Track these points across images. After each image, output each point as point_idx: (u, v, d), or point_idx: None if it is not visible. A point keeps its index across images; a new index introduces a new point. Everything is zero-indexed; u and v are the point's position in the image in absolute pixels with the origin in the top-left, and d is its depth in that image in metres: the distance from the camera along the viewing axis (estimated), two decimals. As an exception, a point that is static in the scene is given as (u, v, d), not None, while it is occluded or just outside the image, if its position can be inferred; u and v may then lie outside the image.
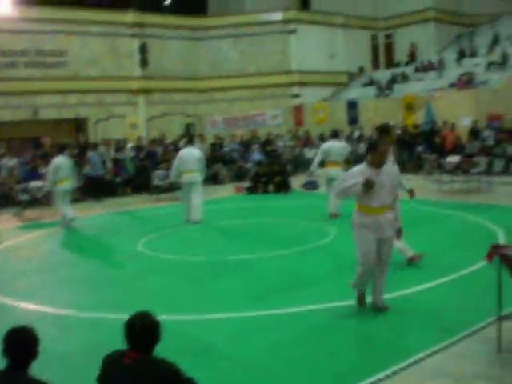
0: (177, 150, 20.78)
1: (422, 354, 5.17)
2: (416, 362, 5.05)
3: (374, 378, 4.77)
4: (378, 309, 6.40)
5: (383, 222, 6.21)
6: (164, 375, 3.42)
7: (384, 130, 8.13)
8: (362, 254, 6.27)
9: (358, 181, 6.02)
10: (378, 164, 6.14)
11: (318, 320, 6.27)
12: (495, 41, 30.86)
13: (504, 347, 5.17)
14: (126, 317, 3.55)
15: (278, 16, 33.37)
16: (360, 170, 6.19)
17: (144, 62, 30.12)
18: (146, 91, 30.33)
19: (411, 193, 7.68)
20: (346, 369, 5.01)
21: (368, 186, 5.98)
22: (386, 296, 6.61)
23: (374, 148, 6.16)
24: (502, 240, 9.18)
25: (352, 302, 6.62)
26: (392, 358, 5.14)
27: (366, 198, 6.15)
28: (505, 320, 5.35)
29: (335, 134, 13.87)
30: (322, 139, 16.33)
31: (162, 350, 3.54)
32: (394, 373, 4.87)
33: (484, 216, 11.54)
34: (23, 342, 3.48)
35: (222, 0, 38.64)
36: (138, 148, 21.41)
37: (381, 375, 4.82)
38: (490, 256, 5.15)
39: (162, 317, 6.20)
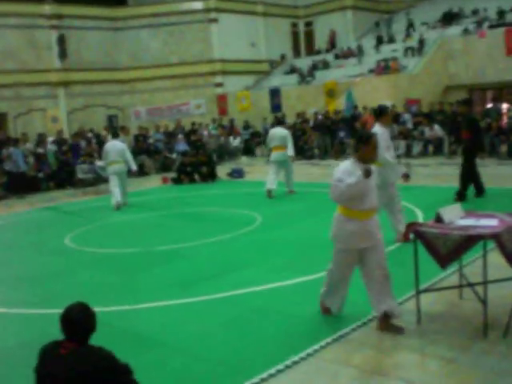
0: (100, 143, 20.66)
1: (347, 329, 5.43)
2: (342, 336, 5.30)
3: (303, 354, 4.98)
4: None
5: (373, 227, 5.39)
6: (100, 363, 3.50)
7: (383, 111, 8.29)
8: (338, 269, 5.62)
9: (356, 177, 5.08)
10: (369, 159, 5.24)
11: (246, 303, 6.44)
12: (411, 27, 31.78)
13: (423, 319, 5.49)
14: (57, 311, 3.61)
15: (198, 5, 33.35)
16: (348, 169, 5.19)
17: (63, 54, 29.55)
18: (66, 83, 29.79)
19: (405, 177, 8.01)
20: (274, 349, 5.19)
21: (368, 174, 5.11)
22: (304, 277, 6.90)
23: (366, 140, 5.18)
24: (420, 218, 9.64)
25: (275, 284, 6.86)
26: (319, 334, 5.37)
27: (357, 201, 5.23)
28: (422, 293, 5.70)
29: (279, 122, 15.64)
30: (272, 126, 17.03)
31: (95, 341, 3.62)
32: (322, 347, 5.10)
33: (403, 197, 11.98)
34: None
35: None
36: (59, 142, 21.03)
37: (309, 350, 5.04)
38: (406, 234, 5.45)
39: (95, 309, 6.26)
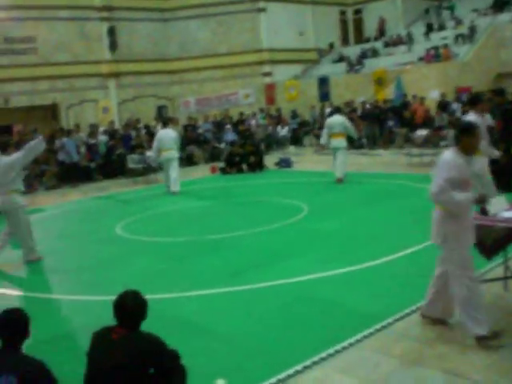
0: (150, 133, 21.01)
1: (389, 319, 5.51)
2: (384, 327, 5.38)
3: (345, 343, 5.09)
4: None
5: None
6: (149, 347, 3.71)
7: (478, 99, 8.21)
8: (467, 266, 4.96)
9: (468, 196, 4.88)
10: (472, 150, 5.01)
11: (291, 293, 6.58)
12: (461, 14, 31.22)
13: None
14: (108, 298, 3.80)
15: (246, -6, 33.37)
16: (453, 162, 4.92)
17: (113, 46, 30.00)
18: (117, 75, 30.26)
19: None
20: (318, 338, 5.31)
21: (481, 201, 5.08)
22: (349, 268, 7.00)
23: (471, 132, 4.93)
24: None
25: (321, 274, 6.97)
26: (363, 324, 5.47)
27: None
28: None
29: (338, 110, 16.09)
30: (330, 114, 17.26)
31: (146, 328, 3.81)
32: (365, 337, 5.21)
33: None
34: (15, 323, 3.71)
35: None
36: (110, 132, 21.47)
37: (352, 340, 5.15)
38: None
39: (145, 296, 6.49)
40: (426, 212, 10.05)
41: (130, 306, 3.79)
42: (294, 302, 6.29)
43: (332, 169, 14.74)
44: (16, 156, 8.90)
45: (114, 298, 3.84)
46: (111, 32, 29.93)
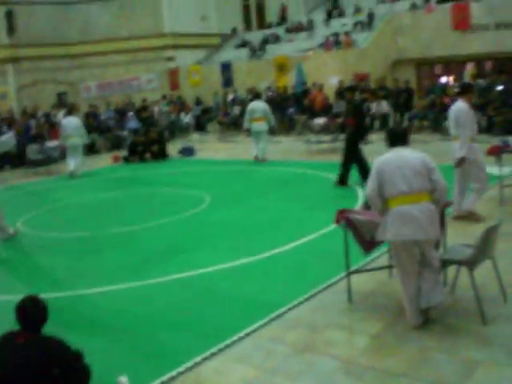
0: (50, 122, 20.60)
1: (284, 308, 5.87)
2: (278, 316, 5.74)
3: (241, 333, 5.41)
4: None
5: None
6: (53, 350, 3.91)
7: (468, 88, 8.33)
8: None
9: None
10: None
11: (191, 286, 6.84)
12: (361, 1, 32.14)
13: (354, 298, 5.97)
14: (10, 297, 3.94)
15: (148, -22, 33.00)
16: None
17: (11, 30, 29.03)
18: (15, 60, 29.31)
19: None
20: (218, 328, 5.60)
21: None
22: (250, 258, 7.34)
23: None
24: (361, 197, 10.16)
25: (220, 266, 7.28)
26: (258, 313, 5.80)
27: None
28: (355, 274, 6.19)
29: (258, 96, 17.10)
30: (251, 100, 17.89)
31: (49, 327, 3.98)
32: (260, 326, 5.54)
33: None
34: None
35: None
36: (8, 121, 20.87)
37: (248, 329, 5.47)
38: (337, 220, 5.88)
39: (45, 294, 6.57)
40: (323, 199, 10.63)
41: (30, 312, 3.98)
42: (194, 295, 6.54)
43: (253, 151, 15.68)
44: None
45: (11, 297, 3.98)
46: (9, 15, 28.91)
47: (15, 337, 3.92)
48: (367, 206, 5.87)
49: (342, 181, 11.64)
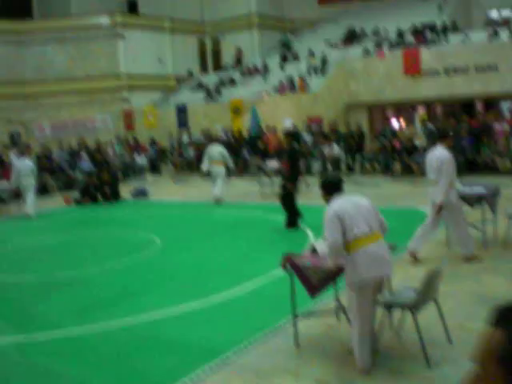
0: (1, 161, 20.31)
1: (229, 354, 5.81)
2: (224, 362, 5.67)
3: (186, 379, 5.33)
4: None
5: None
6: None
7: (446, 133, 8.58)
8: None
9: None
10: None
11: (137, 330, 6.73)
12: (315, 46, 32.82)
13: (302, 342, 5.95)
14: None
15: (105, 20, 33.21)
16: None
17: (-36, 68, 28.78)
18: (-34, 98, 29.02)
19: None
20: (162, 376, 5.51)
21: None
22: (196, 304, 7.29)
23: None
24: (311, 238, 10.20)
25: (167, 310, 7.19)
26: (204, 358, 5.73)
27: None
28: (304, 318, 6.19)
29: (214, 139, 18.66)
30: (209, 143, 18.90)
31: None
32: (205, 372, 5.46)
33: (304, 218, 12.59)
34: None
35: (47, 3, 37.57)
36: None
37: (193, 376, 5.39)
38: (283, 264, 5.89)
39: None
40: (273, 242, 10.65)
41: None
42: (139, 341, 6.42)
43: (212, 191, 15.91)
44: None
45: None
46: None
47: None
48: (314, 250, 5.90)
49: (292, 223, 11.74)
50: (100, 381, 5.58)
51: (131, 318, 7.10)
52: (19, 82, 31.31)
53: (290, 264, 5.77)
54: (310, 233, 10.99)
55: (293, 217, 11.82)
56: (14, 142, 28.15)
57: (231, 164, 16.83)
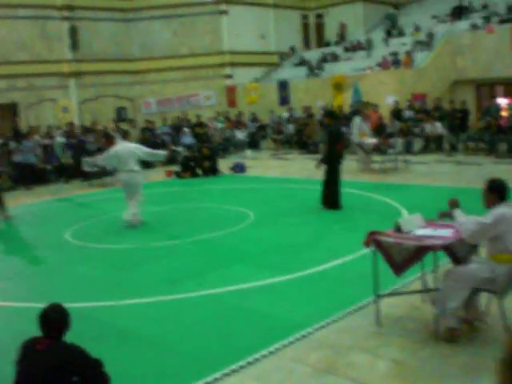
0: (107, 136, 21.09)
1: (309, 329, 5.84)
2: (304, 336, 5.72)
3: (264, 351, 5.41)
4: None
5: None
6: (72, 357, 4.01)
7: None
8: None
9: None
10: None
11: (225, 301, 6.90)
12: (420, 20, 31.88)
13: (383, 321, 5.89)
14: (43, 305, 4.10)
15: (209, -4, 33.60)
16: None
17: (74, 45, 29.94)
18: (78, 74, 30.20)
19: None
20: (243, 345, 5.63)
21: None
22: (284, 277, 7.34)
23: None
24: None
25: (257, 283, 7.29)
26: (285, 332, 5.80)
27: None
28: (386, 297, 6.12)
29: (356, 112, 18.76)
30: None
31: (78, 334, 4.09)
32: (284, 345, 5.53)
33: (393, 196, 12.40)
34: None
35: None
36: (68, 134, 21.51)
37: (271, 348, 5.47)
38: (367, 242, 5.83)
39: (81, 304, 6.78)
40: (364, 220, 10.52)
41: (53, 318, 4.08)
42: (225, 311, 6.59)
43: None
44: None
45: (43, 305, 4.11)
46: (72, 31, 29.86)
47: (36, 343, 4.04)
48: (398, 228, 5.80)
49: (329, 203, 11.74)
50: (177, 346, 5.78)
51: (219, 289, 7.27)
52: (126, 59, 32.28)
53: (374, 241, 5.70)
54: (403, 211, 10.79)
55: (334, 196, 11.71)
56: (121, 116, 29.14)
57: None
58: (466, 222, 5.30)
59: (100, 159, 13.05)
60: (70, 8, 29.98)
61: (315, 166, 12.21)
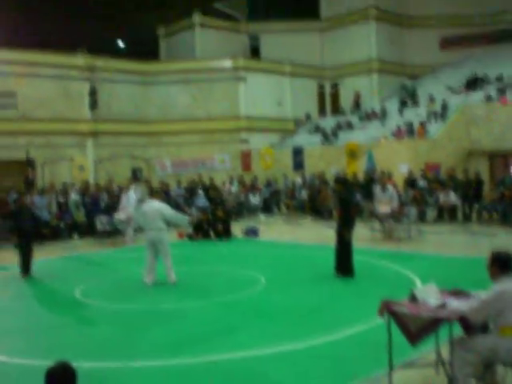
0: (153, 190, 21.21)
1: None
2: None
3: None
4: None
5: None
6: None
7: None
8: None
9: None
10: None
11: (232, 368, 6.72)
12: (435, 91, 32.32)
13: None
14: (48, 363, 4.01)
15: (227, 63, 34.36)
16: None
17: (94, 105, 30.56)
18: (95, 133, 30.70)
19: None
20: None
21: None
22: (293, 345, 7.19)
23: None
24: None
25: (263, 351, 7.16)
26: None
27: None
28: (400, 370, 5.97)
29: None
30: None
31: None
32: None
33: (406, 265, 12.27)
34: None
35: (174, 46, 39.55)
36: (83, 192, 21.66)
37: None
38: (381, 311, 5.72)
39: (88, 364, 6.66)
40: (375, 288, 10.38)
41: (59, 378, 3.98)
42: (229, 378, 6.42)
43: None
44: None
45: (49, 362, 4.02)
46: (93, 92, 30.53)
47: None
48: (413, 298, 5.71)
49: (342, 269, 11.64)
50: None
51: (225, 354, 7.12)
52: (144, 121, 32.84)
53: (388, 310, 5.60)
54: (416, 281, 10.65)
55: (347, 263, 11.63)
56: (136, 176, 29.40)
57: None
58: (472, 299, 5.29)
59: (123, 214, 13.38)
60: (92, 69, 30.75)
61: (345, 236, 11.77)
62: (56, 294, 11.43)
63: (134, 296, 10.88)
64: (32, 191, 20.33)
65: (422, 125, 26.99)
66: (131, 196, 17.17)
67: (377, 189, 17.34)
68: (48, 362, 4.19)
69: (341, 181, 13.28)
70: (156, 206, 12.03)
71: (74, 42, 31.88)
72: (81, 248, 17.69)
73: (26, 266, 13.31)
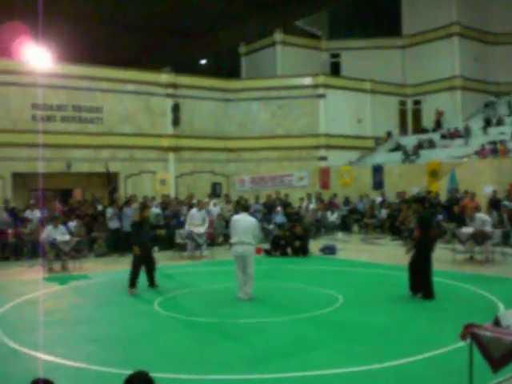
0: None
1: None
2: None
3: None
4: None
5: None
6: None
7: None
8: None
9: None
10: None
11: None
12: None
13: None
14: (124, 372, 4.09)
15: (307, 81, 34.40)
16: None
17: (176, 121, 31.20)
18: (177, 149, 31.30)
19: None
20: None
21: None
22: (373, 365, 7.05)
23: None
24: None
25: (343, 370, 7.05)
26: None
27: None
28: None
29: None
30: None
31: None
32: None
33: (489, 288, 11.87)
34: None
35: (255, 64, 39.97)
36: (164, 205, 22.11)
37: None
38: (463, 335, 5.55)
39: (163, 375, 6.75)
40: (457, 311, 10.08)
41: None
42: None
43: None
44: None
45: (127, 371, 4.09)
46: (175, 108, 31.19)
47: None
48: (497, 322, 5.51)
49: (422, 291, 11.45)
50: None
51: (301, 372, 7.07)
52: (224, 137, 33.24)
53: (471, 335, 5.43)
54: (500, 305, 10.29)
55: (427, 285, 11.37)
56: (215, 191, 29.79)
57: None
58: None
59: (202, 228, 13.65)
60: (174, 86, 31.41)
61: (405, 251, 11.98)
62: (136, 304, 11.66)
63: (212, 309, 10.96)
64: (116, 203, 20.85)
65: (502, 143, 26.19)
66: (213, 210, 17.44)
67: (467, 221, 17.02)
68: (125, 371, 4.28)
69: (419, 199, 13.07)
70: (252, 220, 12.03)
71: (158, 59, 32.73)
72: (160, 260, 17.95)
73: (134, 281, 13.07)
